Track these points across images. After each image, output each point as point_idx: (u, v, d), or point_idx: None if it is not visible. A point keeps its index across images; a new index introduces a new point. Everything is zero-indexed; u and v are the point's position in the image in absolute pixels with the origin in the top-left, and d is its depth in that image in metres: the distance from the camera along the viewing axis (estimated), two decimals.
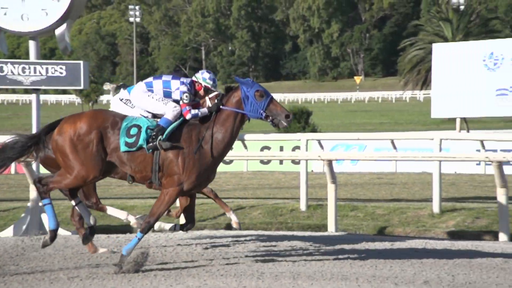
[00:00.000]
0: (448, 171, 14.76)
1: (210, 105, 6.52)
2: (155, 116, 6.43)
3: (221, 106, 6.29)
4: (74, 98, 59.16)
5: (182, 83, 6.44)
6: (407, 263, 6.36)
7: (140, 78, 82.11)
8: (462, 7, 49.45)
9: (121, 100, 6.98)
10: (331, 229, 8.54)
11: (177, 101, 6.35)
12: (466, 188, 12.12)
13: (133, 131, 6.15)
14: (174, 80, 6.47)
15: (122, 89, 7.17)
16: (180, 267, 6.22)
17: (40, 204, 6.74)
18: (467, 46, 13.17)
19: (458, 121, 12.78)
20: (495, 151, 10.85)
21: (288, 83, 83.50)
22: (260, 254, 6.84)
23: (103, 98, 51.96)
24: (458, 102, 12.20)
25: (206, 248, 7.09)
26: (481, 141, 12.68)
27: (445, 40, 40.35)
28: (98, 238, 7.35)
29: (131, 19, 77.07)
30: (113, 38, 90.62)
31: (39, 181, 6.28)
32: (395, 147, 13.72)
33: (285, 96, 64.09)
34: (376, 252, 6.96)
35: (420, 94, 51.28)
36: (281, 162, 17.19)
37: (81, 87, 9.14)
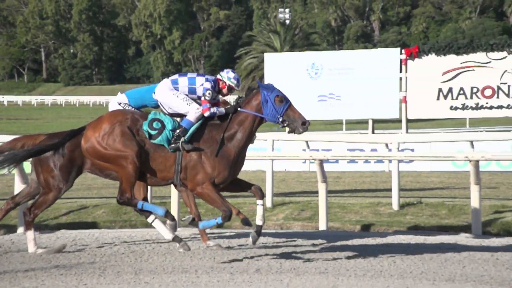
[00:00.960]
0: (279, 168, 15.39)
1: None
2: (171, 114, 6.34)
3: (239, 109, 6.19)
4: None
5: (207, 80, 6.34)
6: (242, 254, 6.57)
7: None
8: (287, 22, 51.75)
9: (119, 104, 6.83)
10: None
11: (200, 97, 6.27)
12: (294, 184, 12.64)
13: (156, 125, 6.11)
14: (199, 77, 6.38)
15: (119, 93, 7.02)
16: (17, 269, 5.90)
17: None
18: (293, 57, 13.79)
19: None
20: (317, 150, 11.47)
21: (133, 86, 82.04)
22: (103, 252, 6.73)
23: None
24: None
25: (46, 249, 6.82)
26: (307, 142, 13.36)
27: (275, 50, 42.01)
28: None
29: None
30: None
31: (120, 199, 6.25)
32: None
33: None
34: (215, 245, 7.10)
35: None
36: None
37: None
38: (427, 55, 12.76)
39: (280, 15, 58.63)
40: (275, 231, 8.49)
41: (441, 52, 12.94)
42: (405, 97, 12.19)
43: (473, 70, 12.73)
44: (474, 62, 12.76)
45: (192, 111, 6.17)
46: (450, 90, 12.65)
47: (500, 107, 12.82)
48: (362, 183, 12.53)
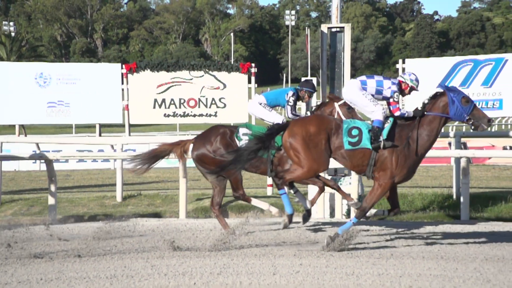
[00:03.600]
0: (9, 168, 14.09)
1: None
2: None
3: (425, 112, 5.83)
4: None
5: (393, 83, 6.00)
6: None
7: None
8: (13, 34, 47.80)
9: (260, 104, 6.70)
10: None
11: (385, 98, 5.95)
12: (23, 182, 11.77)
13: (354, 132, 5.82)
14: (386, 80, 6.03)
15: (257, 94, 6.87)
16: None
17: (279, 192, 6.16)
18: (21, 66, 12.75)
19: (17, 127, 12.31)
20: (48, 151, 10.82)
21: None
22: None
23: None
24: (17, 111, 11.75)
25: None
26: (37, 144, 12.57)
27: (2, 59, 38.32)
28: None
29: None
30: None
31: (275, 176, 5.94)
32: None
33: None
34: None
35: None
36: None
37: None
38: (144, 70, 13.00)
39: (5, 27, 53.61)
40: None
41: (155, 69, 13.32)
42: (127, 105, 12.24)
43: (180, 84, 13.33)
44: (181, 78, 13.39)
45: (379, 111, 5.81)
46: (164, 100, 13.07)
47: (201, 115, 13.69)
48: (90, 179, 12.23)
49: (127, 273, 5.06)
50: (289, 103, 6.84)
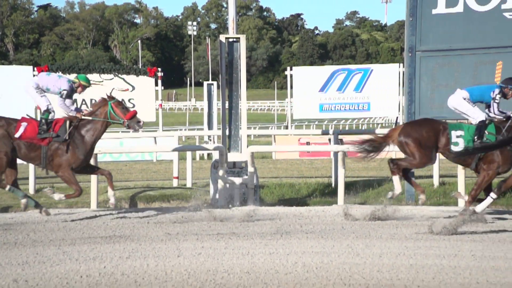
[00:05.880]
0: None
1: None
2: None
3: None
4: None
5: None
6: None
7: None
8: None
9: (464, 99, 6.12)
10: None
11: None
12: None
13: None
14: None
15: (460, 89, 6.22)
16: None
17: None
18: None
19: None
20: None
21: None
22: None
23: None
24: None
25: None
26: None
27: None
28: None
29: None
30: None
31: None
32: None
33: None
34: None
35: None
36: None
37: None
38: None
39: None
40: None
41: (66, 72, 12.81)
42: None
43: (91, 86, 12.87)
44: (92, 80, 12.91)
45: None
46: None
47: None
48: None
49: (39, 259, 4.78)
50: (496, 100, 6.13)
